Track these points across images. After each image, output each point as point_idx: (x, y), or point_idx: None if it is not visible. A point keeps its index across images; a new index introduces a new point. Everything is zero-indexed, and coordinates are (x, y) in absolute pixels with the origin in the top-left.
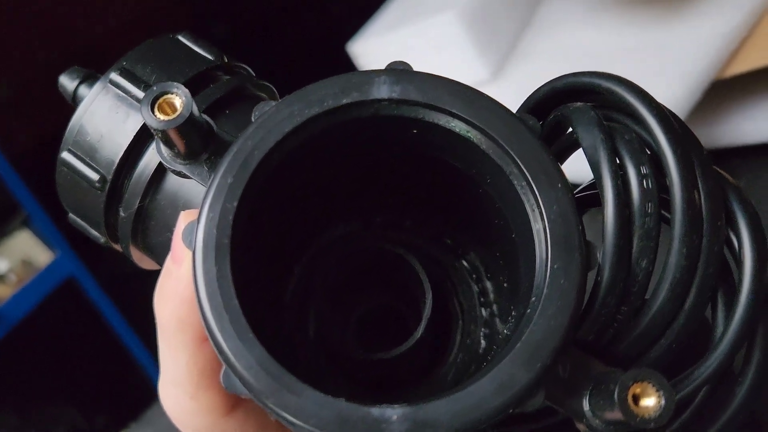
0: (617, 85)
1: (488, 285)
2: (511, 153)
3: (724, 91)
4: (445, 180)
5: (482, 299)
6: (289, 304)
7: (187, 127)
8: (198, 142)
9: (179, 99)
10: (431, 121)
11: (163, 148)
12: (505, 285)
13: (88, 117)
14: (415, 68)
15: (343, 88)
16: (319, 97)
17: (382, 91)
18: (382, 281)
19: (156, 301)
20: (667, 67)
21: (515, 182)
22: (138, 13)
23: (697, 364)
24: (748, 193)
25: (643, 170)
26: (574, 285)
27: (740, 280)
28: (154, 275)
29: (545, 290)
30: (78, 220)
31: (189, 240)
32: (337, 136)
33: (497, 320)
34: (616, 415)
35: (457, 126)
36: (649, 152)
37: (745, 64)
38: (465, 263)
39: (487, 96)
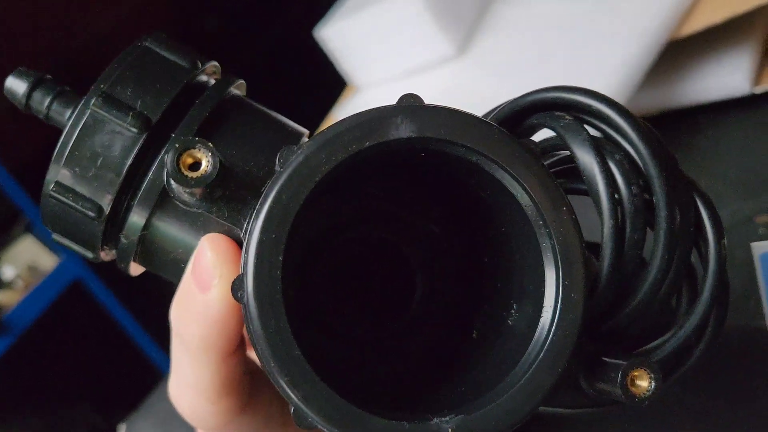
0: (598, 102)
1: None
2: (521, 180)
3: (685, 50)
4: (461, 194)
5: None
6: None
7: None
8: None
9: (205, 156)
10: (449, 152)
11: (181, 195)
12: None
13: (75, 147)
14: (381, 50)
15: (364, 132)
16: (344, 143)
17: (401, 131)
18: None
19: (176, 316)
20: (622, 28)
21: (523, 204)
22: (131, 11)
23: (665, 338)
24: (715, 150)
25: (634, 190)
26: (581, 298)
27: (704, 274)
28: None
29: (560, 305)
30: (64, 240)
31: (239, 294)
32: (360, 170)
33: None
34: (608, 387)
35: (477, 158)
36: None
37: (699, 22)
38: None
39: (497, 127)
